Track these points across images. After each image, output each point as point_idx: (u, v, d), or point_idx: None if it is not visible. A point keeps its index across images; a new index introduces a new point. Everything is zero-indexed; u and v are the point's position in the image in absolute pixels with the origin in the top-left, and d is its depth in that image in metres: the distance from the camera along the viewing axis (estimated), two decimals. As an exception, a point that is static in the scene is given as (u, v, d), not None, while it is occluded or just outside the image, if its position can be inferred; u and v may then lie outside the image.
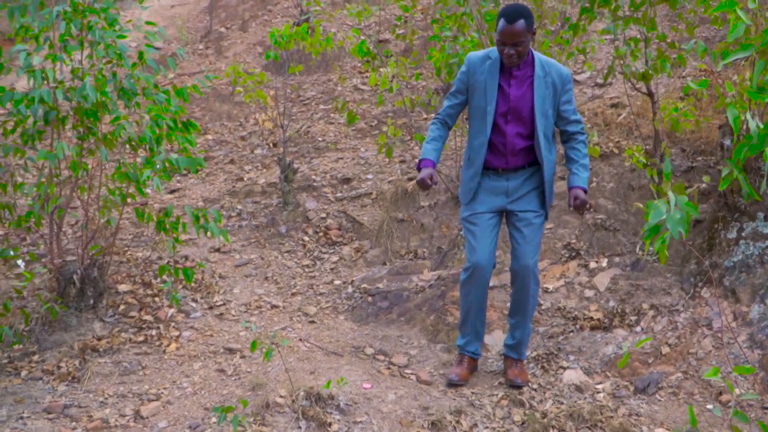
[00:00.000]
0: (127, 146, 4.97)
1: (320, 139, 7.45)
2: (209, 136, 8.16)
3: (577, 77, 7.26)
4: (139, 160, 4.91)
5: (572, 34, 5.29)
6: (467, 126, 4.18)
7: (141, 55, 4.87)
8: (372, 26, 9.96)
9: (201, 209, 4.80)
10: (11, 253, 5.96)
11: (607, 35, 5.49)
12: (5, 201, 5.14)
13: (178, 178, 7.31)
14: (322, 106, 8.22)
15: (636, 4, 4.90)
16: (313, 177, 6.60)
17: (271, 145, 7.62)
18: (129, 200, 4.97)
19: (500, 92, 3.86)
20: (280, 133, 6.29)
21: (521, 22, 3.64)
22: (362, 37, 6.39)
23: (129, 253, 5.83)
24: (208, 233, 4.73)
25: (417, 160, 3.99)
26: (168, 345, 4.67)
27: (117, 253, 5.80)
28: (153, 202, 6.76)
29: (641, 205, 3.31)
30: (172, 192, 7.03)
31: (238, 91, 6.29)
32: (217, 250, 5.84)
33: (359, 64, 9.09)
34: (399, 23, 7.02)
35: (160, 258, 5.69)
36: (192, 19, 12.67)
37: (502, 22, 3.66)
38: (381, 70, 5.51)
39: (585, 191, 3.84)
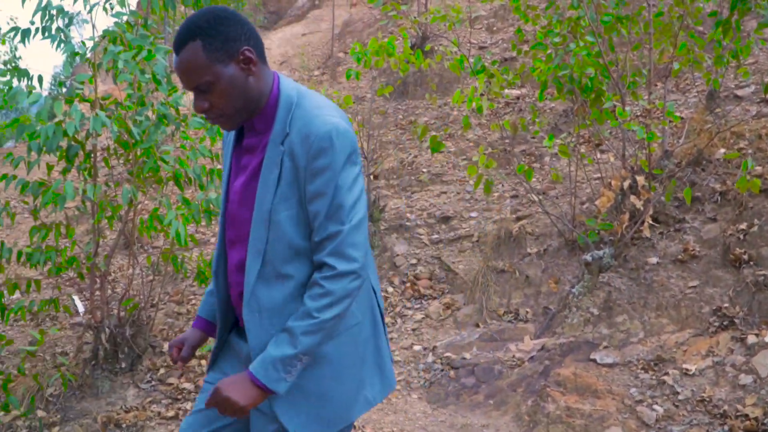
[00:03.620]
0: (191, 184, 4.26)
1: (425, 170, 6.49)
2: (309, 168, 7.42)
3: (738, 92, 5.88)
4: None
5: (722, 34, 4.05)
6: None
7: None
8: (499, 43, 8.93)
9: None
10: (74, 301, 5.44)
11: (770, 31, 4.19)
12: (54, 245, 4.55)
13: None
14: (433, 133, 7.28)
15: (811, -14, 3.62)
16: (408, 215, 5.65)
17: (372, 177, 6.77)
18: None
19: (231, 181, 2.00)
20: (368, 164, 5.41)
21: (195, 47, 1.78)
22: (475, 54, 5.41)
23: (193, 302, 5.12)
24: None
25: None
26: (200, 423, 3.85)
27: (179, 302, 5.12)
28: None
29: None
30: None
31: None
32: (288, 301, 4.99)
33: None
34: (519, 38, 5.97)
35: (223, 310, 4.93)
36: (322, 46, 12.18)
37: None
38: (473, 87, 4.49)
39: (258, 385, 1.80)
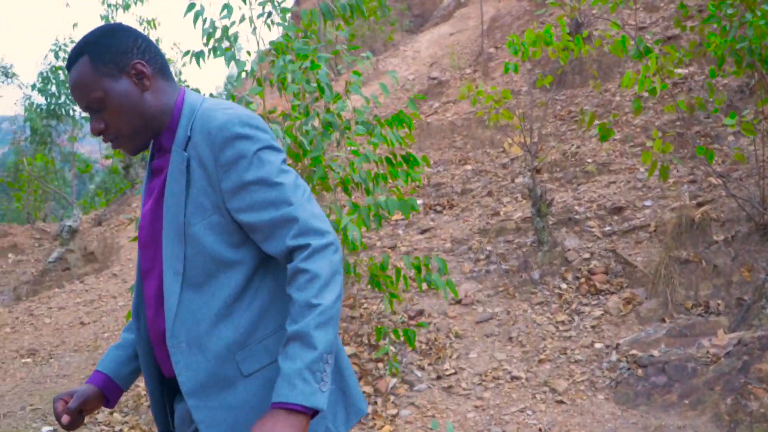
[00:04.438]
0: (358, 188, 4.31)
1: (590, 160, 6.24)
2: (468, 167, 7.34)
3: None
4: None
5: None
6: None
7: (347, 84, 4.20)
8: (659, 22, 8.47)
9: (423, 258, 3.96)
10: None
11: None
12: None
13: (432, 215, 6.58)
14: (596, 122, 6.99)
15: None
16: (576, 208, 5.44)
17: (535, 172, 6.59)
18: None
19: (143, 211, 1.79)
20: (530, 158, 5.25)
21: (83, 63, 1.66)
22: (640, 35, 5.12)
23: (365, 306, 5.17)
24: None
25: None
26: (381, 428, 3.86)
27: (351, 306, 5.19)
28: (401, 245, 6.09)
29: None
30: (423, 232, 6.31)
31: (480, 113, 5.39)
32: (458, 301, 4.94)
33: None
34: (684, 13, 5.61)
35: (395, 312, 4.95)
36: (470, 44, 12.11)
37: None
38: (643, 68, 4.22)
39: (295, 409, 1.46)
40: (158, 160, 1.71)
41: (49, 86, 11.38)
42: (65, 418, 1.75)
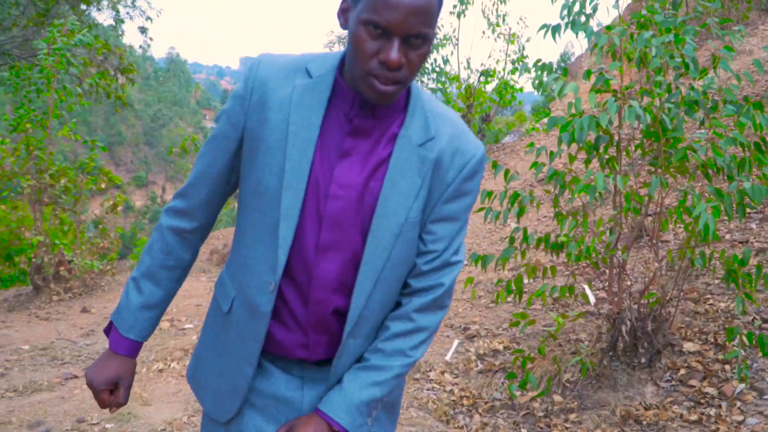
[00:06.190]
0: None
1: None
2: None
3: None
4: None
5: None
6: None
7: (715, 59, 3.87)
8: None
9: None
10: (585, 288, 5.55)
11: None
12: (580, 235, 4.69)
13: (798, 211, 5.88)
14: None
15: None
16: None
17: None
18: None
19: (318, 163, 1.51)
20: None
21: None
22: None
23: (710, 302, 4.80)
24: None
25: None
26: (725, 434, 3.56)
27: (695, 300, 4.84)
28: (755, 240, 5.53)
29: None
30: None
31: None
32: (826, 310, 4.36)
33: None
34: None
35: (745, 313, 4.52)
36: None
37: None
38: None
39: (337, 430, 1.52)
40: (363, 121, 1.53)
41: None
42: (113, 409, 1.70)
